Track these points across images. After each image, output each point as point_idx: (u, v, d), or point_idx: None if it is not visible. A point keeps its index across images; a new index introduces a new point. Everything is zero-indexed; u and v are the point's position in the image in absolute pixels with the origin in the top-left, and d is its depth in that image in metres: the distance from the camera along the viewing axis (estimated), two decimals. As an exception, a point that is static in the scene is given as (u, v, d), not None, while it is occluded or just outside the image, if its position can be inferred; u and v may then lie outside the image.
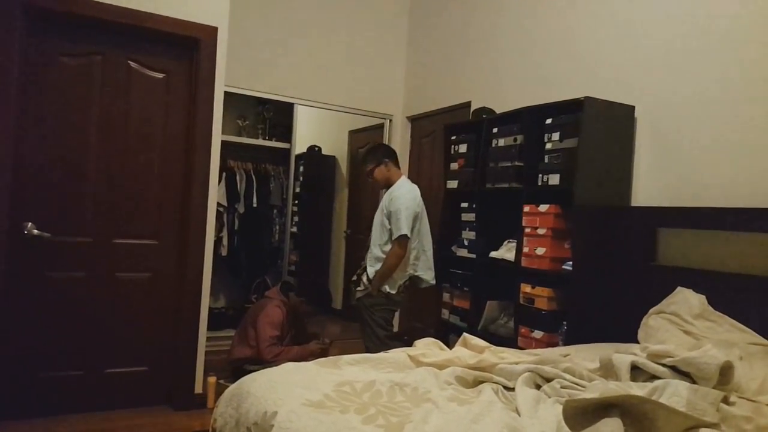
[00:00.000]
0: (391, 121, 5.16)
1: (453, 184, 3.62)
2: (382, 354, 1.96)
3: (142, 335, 3.19)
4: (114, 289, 3.10)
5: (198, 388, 3.28)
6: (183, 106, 3.25)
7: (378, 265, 3.25)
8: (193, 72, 3.22)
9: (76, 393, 3.03)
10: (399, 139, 5.16)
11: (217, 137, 3.27)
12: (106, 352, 3.10)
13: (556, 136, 2.82)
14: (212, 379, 3.31)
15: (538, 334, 2.76)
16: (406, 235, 3.18)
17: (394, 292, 3.30)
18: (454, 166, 3.66)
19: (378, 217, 3.34)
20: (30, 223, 2.85)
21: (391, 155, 3.47)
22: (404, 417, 1.41)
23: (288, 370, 1.79)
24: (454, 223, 3.58)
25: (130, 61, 3.10)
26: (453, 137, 3.71)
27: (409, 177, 5.07)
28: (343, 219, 6.16)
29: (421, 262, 3.42)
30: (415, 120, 5.10)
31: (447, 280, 3.61)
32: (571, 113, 2.75)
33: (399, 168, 3.51)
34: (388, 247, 3.25)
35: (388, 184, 3.40)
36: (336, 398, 1.54)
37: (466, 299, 3.42)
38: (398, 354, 1.95)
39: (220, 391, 3.36)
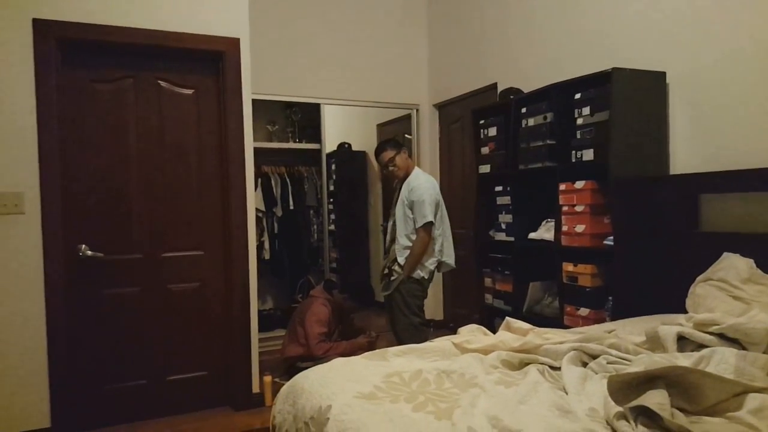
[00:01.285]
0: (417, 110, 5.17)
1: (485, 168, 3.61)
2: (427, 344, 2.00)
3: (199, 342, 3.32)
4: (167, 301, 3.24)
5: (255, 388, 3.39)
6: (214, 118, 3.34)
7: (407, 253, 3.35)
8: (221, 84, 3.31)
9: (141, 401, 3.18)
10: (427, 128, 5.17)
11: (249, 146, 3.36)
12: (167, 360, 3.25)
13: (586, 110, 2.77)
14: (268, 378, 3.43)
15: (584, 311, 2.75)
16: (431, 221, 3.29)
17: (426, 276, 3.40)
18: (484, 150, 3.65)
19: (399, 210, 3.40)
20: (84, 245, 3.00)
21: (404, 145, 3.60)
22: (453, 402, 1.44)
23: (338, 365, 1.84)
24: (490, 207, 3.57)
25: (159, 81, 3.21)
26: (481, 121, 3.70)
27: (439, 165, 5.13)
28: (378, 213, 6.20)
29: (445, 248, 3.50)
30: (442, 107, 5.09)
31: (487, 264, 3.61)
32: (600, 86, 2.71)
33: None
34: (414, 236, 3.34)
35: (406, 174, 3.44)
36: (386, 389, 1.59)
37: (508, 282, 3.42)
38: (443, 342, 1.99)
39: (276, 389, 3.47)
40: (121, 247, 3.14)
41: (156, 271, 3.21)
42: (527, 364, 1.71)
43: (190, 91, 3.29)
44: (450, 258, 3.52)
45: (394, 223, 3.44)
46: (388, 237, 3.56)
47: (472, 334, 2.00)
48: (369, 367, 1.81)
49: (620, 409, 1.18)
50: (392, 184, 3.66)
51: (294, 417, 1.67)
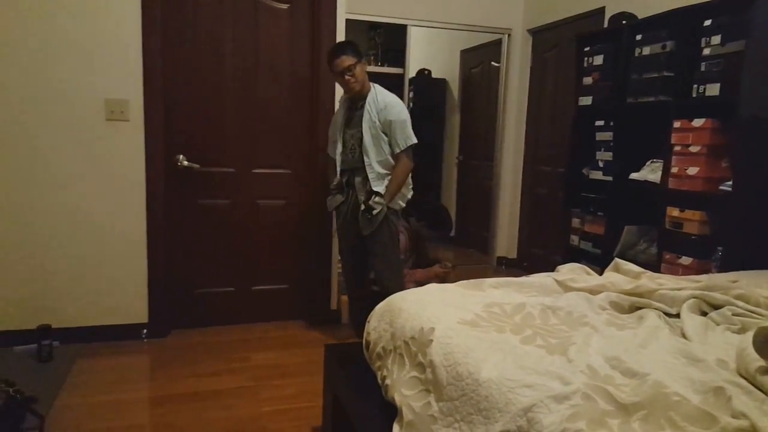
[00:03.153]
0: (509, 35, 4.87)
1: (586, 100, 3.38)
2: (524, 278, 1.95)
3: (282, 257, 3.44)
4: (255, 215, 3.34)
5: (333, 305, 3.51)
6: (306, 36, 3.28)
7: (386, 182, 2.84)
8: (315, 1, 3.21)
9: (227, 307, 3.37)
10: (518, 56, 4.88)
11: (340, 65, 3.28)
12: (252, 271, 3.39)
13: (716, 39, 2.49)
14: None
15: (686, 260, 2.59)
16: (414, 143, 2.86)
17: (404, 207, 3.02)
18: (587, 80, 3.40)
19: (368, 131, 2.79)
20: (181, 155, 3.09)
21: None
22: (564, 339, 1.40)
23: (434, 290, 1.83)
24: (587, 143, 3.36)
25: (256, -6, 3.16)
26: (586, 48, 3.42)
27: (529, 96, 4.87)
28: (454, 145, 6.06)
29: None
30: (536, 32, 4.76)
31: (577, 204, 3.45)
32: (737, 12, 2.41)
33: None
34: (390, 163, 2.84)
35: (363, 92, 2.83)
36: (488, 318, 1.56)
37: (599, 224, 3.27)
38: (543, 278, 1.93)
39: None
40: (216, 160, 3.22)
41: (246, 186, 3.29)
42: (638, 308, 1.63)
43: (285, 6, 3.22)
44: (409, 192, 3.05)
45: (359, 149, 2.83)
46: (341, 165, 2.91)
47: (574, 272, 1.93)
48: (466, 296, 1.78)
49: (764, 363, 1.10)
50: (339, 105, 3.02)
51: (392, 335, 1.69)
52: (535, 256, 4.76)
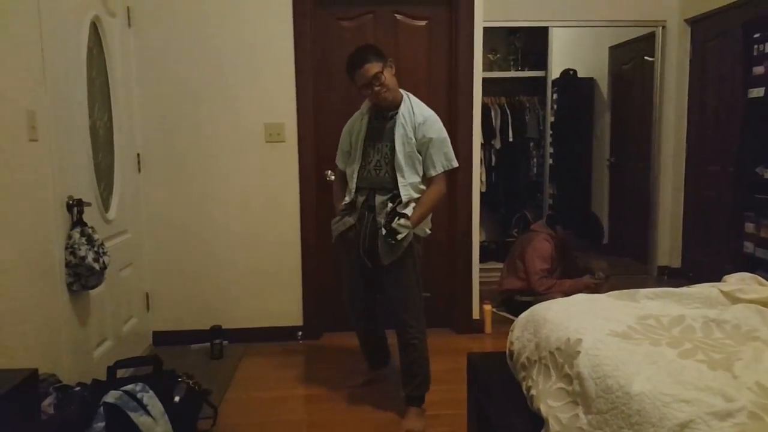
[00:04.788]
0: (663, 27, 4.50)
1: (757, 92, 3.04)
2: (685, 289, 1.80)
3: (425, 265, 3.48)
4: (398, 225, 3.47)
5: (475, 315, 3.52)
6: (443, 49, 3.37)
7: (412, 206, 2.37)
8: (453, 14, 3.29)
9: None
10: (675, 49, 4.50)
11: (478, 76, 3.32)
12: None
13: None
14: (488, 307, 3.52)
15: None
16: (456, 167, 2.45)
17: (429, 233, 2.57)
18: (758, 70, 3.05)
19: (402, 147, 2.34)
20: (329, 171, 3.32)
21: None
22: (730, 354, 1.28)
23: (582, 300, 1.78)
24: (759, 139, 3.01)
25: (396, 15, 3.33)
26: (756, 35, 3.06)
27: (689, 91, 4.45)
28: (605, 147, 5.72)
29: None
30: (696, 22, 4.35)
31: (751, 207, 3.09)
32: None
33: None
34: (422, 187, 2.39)
35: (394, 101, 2.39)
36: (642, 331, 1.48)
37: (777, 229, 2.90)
38: (706, 289, 1.77)
39: (494, 318, 3.57)
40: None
41: (390, 196, 3.44)
42: (825, 323, 1.43)
43: (423, 23, 3.34)
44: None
45: (386, 167, 2.38)
46: (358, 182, 2.43)
47: (743, 282, 1.74)
48: (618, 307, 1.70)
49: None
50: (360, 113, 2.52)
51: (536, 345, 1.67)
52: (702, 266, 4.30)
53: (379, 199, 2.37)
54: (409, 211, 2.33)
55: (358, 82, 2.32)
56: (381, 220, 2.33)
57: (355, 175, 2.43)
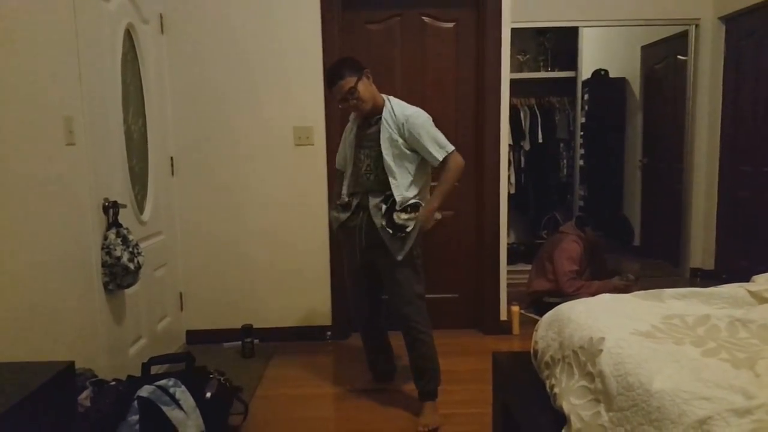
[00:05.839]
0: (697, 25, 4.41)
1: (793, 89, 2.94)
2: (713, 288, 1.77)
3: (452, 266, 3.54)
4: (427, 226, 3.50)
5: (503, 316, 3.51)
6: (471, 50, 3.38)
7: (410, 214, 2.39)
8: (480, 16, 3.30)
9: (403, 314, 3.55)
10: (709, 48, 4.40)
11: (506, 77, 3.32)
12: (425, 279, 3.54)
13: None
14: (515, 308, 3.50)
15: None
16: (452, 150, 2.42)
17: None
18: (794, 67, 2.96)
19: (389, 150, 2.39)
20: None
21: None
22: (754, 353, 1.27)
23: (607, 300, 1.77)
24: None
25: (423, 17, 3.36)
26: (792, 31, 2.98)
27: (724, 90, 4.34)
28: (636, 147, 5.62)
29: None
30: (730, 20, 4.25)
31: (787, 207, 3.00)
32: None
33: None
34: (414, 191, 2.41)
35: (376, 107, 2.44)
36: (666, 330, 1.47)
37: (815, 229, 2.80)
38: (734, 289, 1.74)
39: (522, 319, 3.56)
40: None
41: (416, 198, 3.47)
42: None
43: (450, 25, 3.37)
44: None
45: (374, 172, 2.43)
46: (351, 188, 2.51)
47: (773, 282, 1.71)
48: (642, 306, 1.69)
49: None
50: (351, 121, 2.61)
51: (560, 344, 1.67)
52: (737, 268, 4.18)
53: (372, 201, 2.43)
54: (404, 213, 2.38)
55: (335, 96, 2.42)
56: (380, 221, 2.39)
57: (347, 181, 2.53)
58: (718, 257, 4.47)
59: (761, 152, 3.77)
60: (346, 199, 2.52)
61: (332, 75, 2.39)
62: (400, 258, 2.39)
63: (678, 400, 1.10)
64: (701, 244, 4.58)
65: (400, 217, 2.36)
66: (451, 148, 2.42)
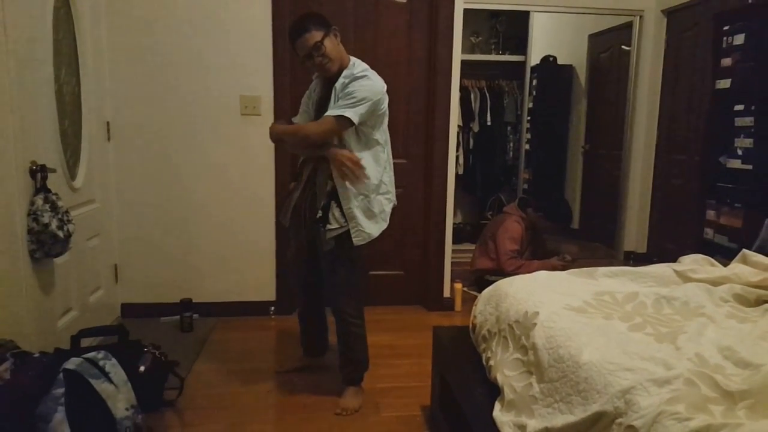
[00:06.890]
0: (641, 17, 4.55)
1: (724, 83, 3.10)
2: (642, 268, 1.86)
3: (398, 244, 3.55)
4: (372, 203, 3.49)
5: (446, 293, 3.57)
6: (424, 28, 3.35)
7: (360, 198, 2.23)
8: (433, -8, 3.28)
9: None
10: (651, 40, 4.55)
11: (457, 57, 3.33)
12: (370, 256, 3.53)
13: None
14: (458, 286, 3.57)
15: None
16: (350, 120, 2.10)
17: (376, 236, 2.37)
18: (725, 62, 3.11)
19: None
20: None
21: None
22: (676, 329, 1.34)
23: (542, 277, 1.82)
24: (724, 130, 3.08)
25: (376, -11, 3.29)
26: (725, 27, 3.13)
27: (663, 81, 4.52)
28: (580, 133, 5.79)
29: (391, 189, 2.39)
30: (672, 13, 4.40)
31: (713, 195, 3.18)
32: None
33: None
34: (375, 166, 2.24)
35: (342, 67, 2.22)
36: (596, 305, 1.53)
37: (737, 217, 2.99)
38: (661, 268, 1.83)
39: (465, 297, 3.64)
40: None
41: (364, 174, 3.45)
42: (765, 301, 1.50)
43: (404, 0, 3.31)
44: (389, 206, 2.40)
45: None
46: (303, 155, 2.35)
47: (696, 263, 1.81)
48: (576, 283, 1.76)
49: None
50: (314, 80, 2.39)
51: (497, 318, 1.72)
52: (666, 251, 4.42)
53: (319, 176, 2.25)
54: (352, 207, 2.20)
55: (299, 52, 2.17)
56: (320, 200, 2.23)
57: None
58: (650, 241, 4.71)
59: (694, 142, 3.96)
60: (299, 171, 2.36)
61: (297, 28, 2.15)
62: (326, 249, 2.25)
63: (604, 371, 1.15)
64: (635, 228, 4.80)
65: (333, 214, 2.20)
66: (349, 118, 2.10)
